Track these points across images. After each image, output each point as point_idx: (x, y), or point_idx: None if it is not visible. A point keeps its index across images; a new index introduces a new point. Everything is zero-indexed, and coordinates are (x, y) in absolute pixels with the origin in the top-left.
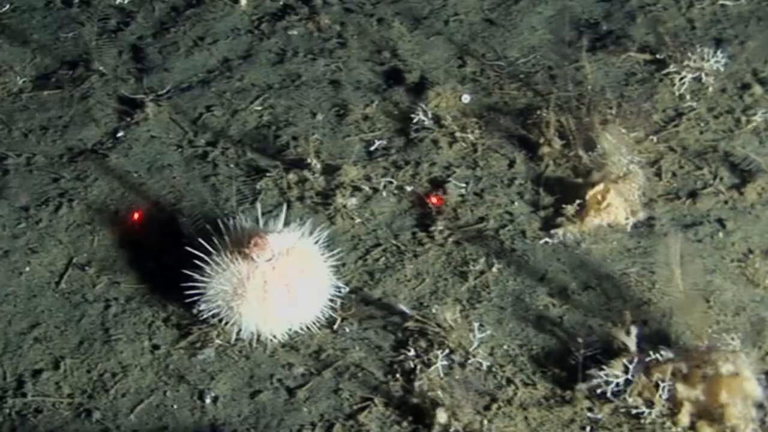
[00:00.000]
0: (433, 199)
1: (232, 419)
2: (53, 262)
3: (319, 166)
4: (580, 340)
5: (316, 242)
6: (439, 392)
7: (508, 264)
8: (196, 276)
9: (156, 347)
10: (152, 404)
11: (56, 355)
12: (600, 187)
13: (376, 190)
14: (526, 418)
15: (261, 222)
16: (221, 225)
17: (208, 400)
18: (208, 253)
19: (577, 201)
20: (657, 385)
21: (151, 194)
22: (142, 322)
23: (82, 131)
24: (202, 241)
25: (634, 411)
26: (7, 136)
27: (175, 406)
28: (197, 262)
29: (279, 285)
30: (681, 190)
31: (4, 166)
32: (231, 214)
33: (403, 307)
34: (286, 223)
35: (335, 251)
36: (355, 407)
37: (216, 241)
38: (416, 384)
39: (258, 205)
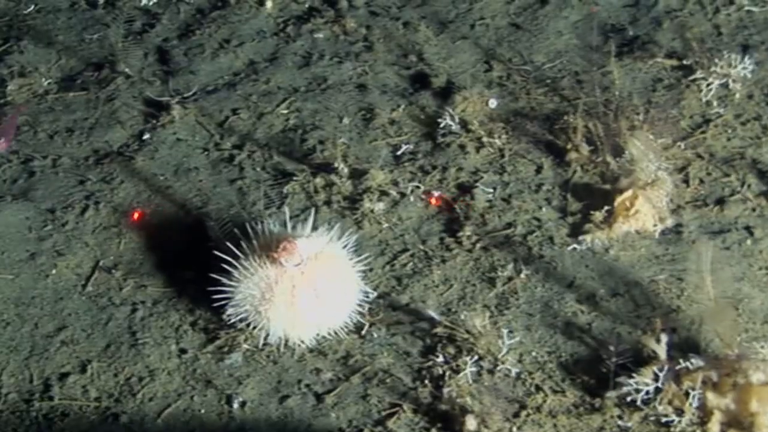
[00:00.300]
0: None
1: (259, 424)
2: (80, 264)
3: (346, 170)
4: (612, 348)
5: (345, 247)
6: (468, 399)
7: (536, 270)
8: (224, 280)
9: (183, 351)
10: (179, 408)
11: (83, 358)
12: (628, 193)
13: (403, 194)
14: (555, 425)
15: (289, 226)
16: (249, 229)
17: (235, 405)
18: (236, 258)
19: (606, 207)
20: (687, 394)
21: (178, 197)
22: (170, 326)
23: (108, 133)
24: (230, 245)
25: (663, 419)
26: (32, 137)
27: (202, 411)
28: (225, 266)
29: (307, 290)
30: (709, 197)
31: (30, 167)
32: (258, 218)
33: (432, 312)
34: (314, 228)
35: (363, 256)
36: (383, 413)
37: (244, 245)
38: (445, 390)
39: (286, 209)
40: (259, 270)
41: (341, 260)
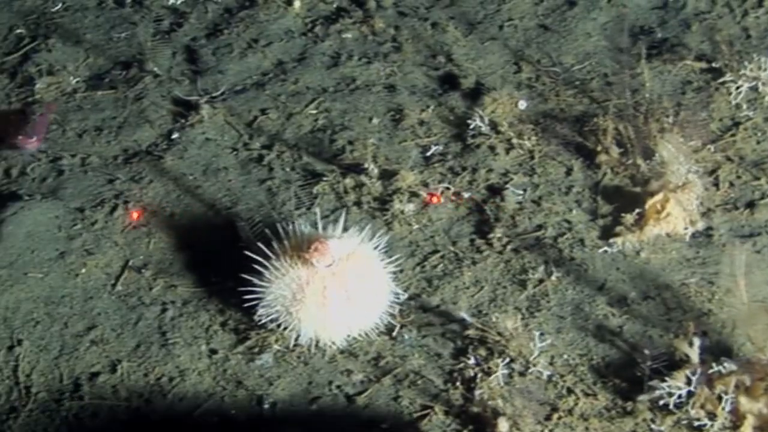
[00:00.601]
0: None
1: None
2: (109, 264)
3: (376, 170)
4: (647, 351)
5: (376, 248)
6: (500, 401)
7: (567, 273)
8: (255, 281)
9: (214, 352)
10: (210, 409)
11: (113, 358)
12: (660, 196)
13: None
14: (587, 428)
15: (320, 227)
16: (280, 229)
17: (266, 406)
18: (267, 258)
19: (636, 210)
20: (720, 398)
21: (207, 197)
22: (200, 326)
23: (137, 132)
24: (261, 246)
25: (696, 423)
26: (61, 136)
27: (233, 411)
28: (256, 266)
29: (338, 291)
30: (739, 200)
31: (58, 166)
32: (288, 218)
33: (464, 314)
34: (345, 229)
35: (394, 257)
36: (415, 415)
37: (275, 245)
38: (476, 393)
39: (317, 210)
40: (291, 271)
41: (372, 261)
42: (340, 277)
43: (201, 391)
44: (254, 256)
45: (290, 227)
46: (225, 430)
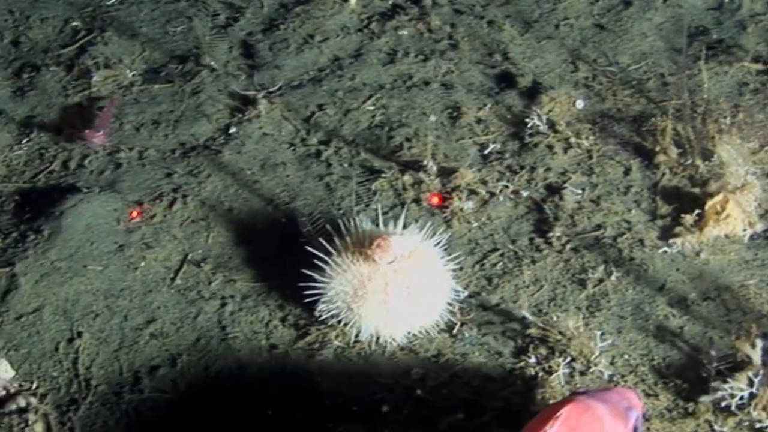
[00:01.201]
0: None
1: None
2: (168, 257)
3: (434, 168)
4: (713, 353)
5: (437, 245)
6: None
7: (626, 273)
8: (316, 276)
9: (274, 347)
10: (270, 404)
11: (173, 351)
12: (719, 197)
13: (492, 194)
14: (648, 429)
15: (381, 223)
16: (342, 226)
17: (326, 402)
18: (328, 254)
19: (696, 211)
20: None
21: (265, 192)
22: (259, 321)
23: (194, 126)
24: (323, 241)
25: (758, 425)
26: (118, 129)
27: (292, 407)
28: (317, 262)
29: (400, 287)
30: None
31: (116, 159)
32: (347, 214)
33: (525, 313)
34: (404, 225)
35: (454, 255)
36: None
37: (336, 241)
38: (537, 391)
39: (378, 207)
40: (352, 267)
41: (434, 259)
42: (402, 274)
43: (261, 386)
44: (316, 252)
45: (351, 223)
46: (285, 425)
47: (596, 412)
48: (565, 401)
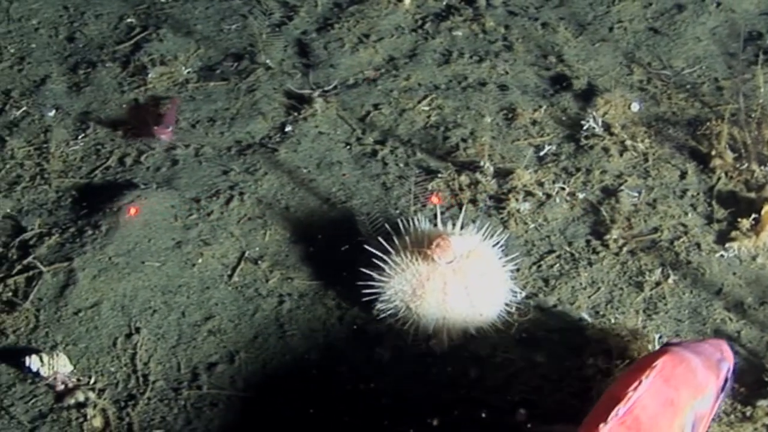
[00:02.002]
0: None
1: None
2: (225, 254)
3: (491, 169)
4: None
5: (495, 246)
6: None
7: (683, 276)
8: (375, 275)
9: (331, 345)
10: (327, 403)
11: (231, 348)
12: None
13: (549, 195)
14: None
15: (439, 223)
16: (401, 225)
17: (384, 401)
18: (387, 253)
19: (752, 216)
20: None
21: (322, 191)
22: (317, 319)
23: (250, 124)
24: (381, 240)
25: None
26: (174, 126)
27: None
28: (375, 261)
29: (458, 287)
30: None
31: (172, 156)
32: (404, 213)
33: (584, 314)
34: (462, 226)
35: (512, 256)
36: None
37: (395, 240)
38: (594, 393)
39: (437, 207)
40: (411, 266)
41: (492, 259)
42: (461, 274)
43: (318, 385)
44: (374, 251)
45: (410, 223)
46: (341, 424)
47: (690, 363)
48: (660, 352)
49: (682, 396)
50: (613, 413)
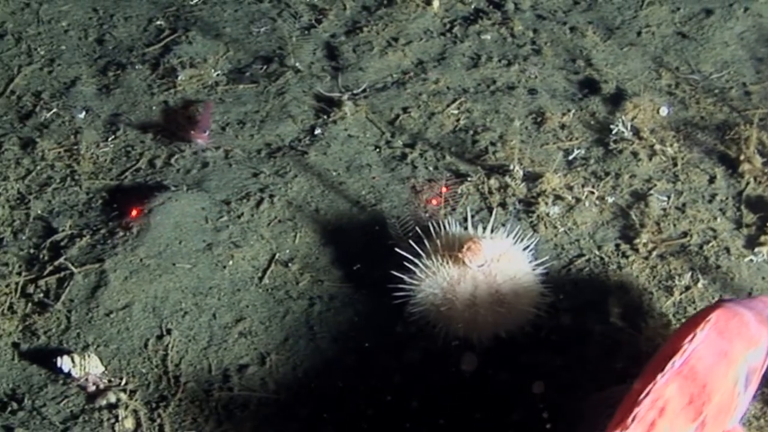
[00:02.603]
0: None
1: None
2: (256, 257)
3: (520, 172)
4: None
5: (525, 249)
6: None
7: (713, 280)
8: (405, 278)
9: (361, 347)
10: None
11: (261, 350)
12: None
13: (578, 199)
14: None
15: (470, 227)
16: (431, 228)
17: (414, 405)
18: (418, 256)
19: None
20: None
21: (351, 193)
22: (347, 322)
23: (280, 127)
24: (412, 243)
25: None
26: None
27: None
28: (405, 264)
29: (489, 290)
30: None
31: (202, 158)
32: (434, 217)
33: (613, 318)
34: (492, 229)
35: (542, 259)
36: None
37: (426, 243)
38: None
39: (468, 210)
40: (442, 269)
41: (522, 263)
42: (491, 278)
43: (349, 386)
44: (405, 254)
45: (440, 226)
46: (370, 425)
47: (743, 318)
48: (713, 307)
49: (735, 348)
50: (669, 365)
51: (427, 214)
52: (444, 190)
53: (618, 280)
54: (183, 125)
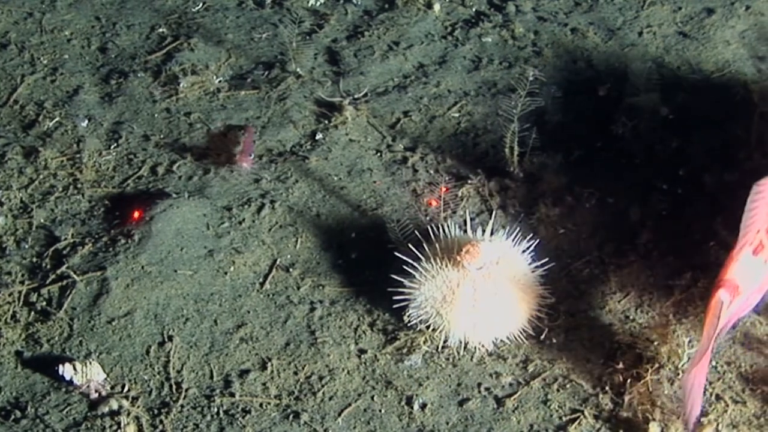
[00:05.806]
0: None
1: (440, 426)
2: (257, 262)
3: (521, 174)
4: None
5: (524, 252)
6: (649, 407)
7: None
8: (405, 282)
9: (362, 351)
10: (360, 408)
11: (263, 355)
12: None
13: (578, 200)
14: None
15: (469, 229)
16: (431, 232)
17: (416, 407)
18: (417, 259)
19: None
20: None
21: (352, 198)
22: (348, 326)
23: (281, 132)
24: (411, 247)
25: None
26: (205, 134)
27: (382, 411)
28: (405, 267)
29: (489, 293)
30: None
31: (204, 165)
32: (434, 220)
33: (610, 318)
34: (492, 232)
35: (542, 261)
36: (565, 419)
37: (425, 247)
38: (626, 397)
39: (467, 213)
40: (441, 272)
41: (521, 265)
42: (491, 280)
43: (350, 390)
44: (405, 258)
45: (440, 229)
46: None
47: None
48: None
49: None
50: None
51: (428, 218)
52: (444, 190)
53: (618, 281)
54: (229, 151)
